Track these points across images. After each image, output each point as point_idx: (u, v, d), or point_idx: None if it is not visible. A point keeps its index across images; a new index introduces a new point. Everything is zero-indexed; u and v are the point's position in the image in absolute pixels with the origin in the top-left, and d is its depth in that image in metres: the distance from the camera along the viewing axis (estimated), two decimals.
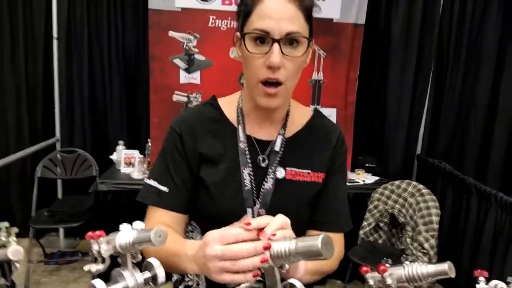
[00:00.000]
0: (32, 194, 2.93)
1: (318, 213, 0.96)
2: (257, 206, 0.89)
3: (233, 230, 0.63)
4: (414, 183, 2.48)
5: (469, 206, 2.33)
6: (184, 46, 2.85)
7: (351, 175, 2.84)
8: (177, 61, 2.87)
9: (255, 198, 0.89)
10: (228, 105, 0.96)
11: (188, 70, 2.88)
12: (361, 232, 2.54)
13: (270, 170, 0.90)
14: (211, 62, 2.87)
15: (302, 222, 0.95)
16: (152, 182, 0.90)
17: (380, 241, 2.56)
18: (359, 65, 2.88)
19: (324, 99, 2.91)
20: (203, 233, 0.93)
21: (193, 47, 2.85)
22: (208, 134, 0.92)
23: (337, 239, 0.96)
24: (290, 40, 0.80)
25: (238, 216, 0.86)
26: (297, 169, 0.92)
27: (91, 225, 2.70)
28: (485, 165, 2.89)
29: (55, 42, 3.15)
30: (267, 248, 0.59)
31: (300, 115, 0.98)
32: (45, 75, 3.25)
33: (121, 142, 2.94)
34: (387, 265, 0.69)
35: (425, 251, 2.24)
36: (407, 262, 0.69)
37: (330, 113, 2.91)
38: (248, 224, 0.61)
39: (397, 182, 2.55)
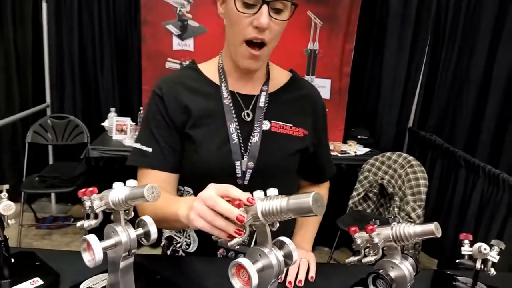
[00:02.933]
0: (23, 160, 2.93)
1: (312, 168, 1.08)
2: (245, 159, 0.91)
3: (235, 191, 0.63)
4: (404, 154, 2.51)
5: (457, 178, 2.38)
6: (177, 11, 2.78)
7: (343, 147, 2.86)
8: (170, 27, 2.81)
9: (243, 152, 0.92)
10: (208, 67, 0.98)
11: (181, 37, 2.82)
12: (350, 201, 2.59)
13: (256, 125, 0.93)
14: (205, 29, 2.81)
15: (290, 173, 1.00)
16: (137, 145, 0.92)
17: (368, 211, 2.62)
18: (355, 37, 2.84)
19: (319, 69, 2.89)
20: (195, 194, 0.94)
21: (187, 12, 2.78)
22: (190, 92, 0.94)
23: (326, 185, 1.17)
24: (276, 4, 0.82)
25: (227, 171, 0.89)
26: (281, 122, 0.96)
27: None
28: (476, 139, 2.92)
29: (44, 6, 3.04)
30: (241, 221, 0.59)
31: (280, 74, 1.02)
32: (34, 40, 3.16)
33: (112, 109, 2.90)
34: (375, 225, 0.71)
35: (411, 220, 2.30)
36: (395, 223, 0.71)
37: (325, 84, 2.89)
38: (252, 200, 0.61)
39: (387, 154, 2.57)
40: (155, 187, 0.62)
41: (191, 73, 0.98)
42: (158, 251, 1.10)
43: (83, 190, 0.67)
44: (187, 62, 2.90)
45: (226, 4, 0.86)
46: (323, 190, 1.16)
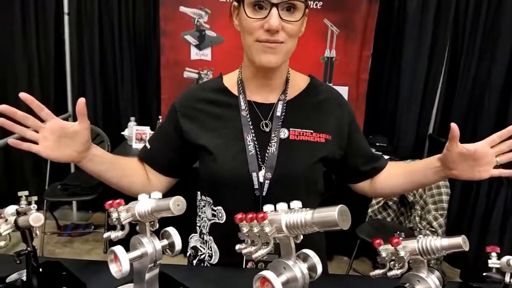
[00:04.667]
0: (46, 168, 3.00)
1: (362, 166, 1.04)
2: (263, 170, 0.91)
3: None
4: None
5: (479, 186, 2.33)
6: (195, 22, 2.82)
7: None
8: (188, 37, 2.85)
9: (260, 163, 0.91)
10: (230, 79, 1.00)
11: (199, 47, 2.86)
12: (369, 210, 2.56)
13: (273, 135, 0.92)
14: (222, 38, 2.84)
15: (311, 183, 0.97)
16: (147, 141, 1.06)
17: (388, 219, 2.58)
18: (372, 43, 2.83)
19: (336, 77, 2.88)
20: (214, 204, 0.95)
21: (204, 22, 2.82)
22: (208, 104, 0.96)
23: (388, 165, 1.08)
24: (287, 6, 0.83)
25: (244, 182, 0.90)
26: (300, 129, 0.94)
27: (104, 199, 2.77)
28: None
29: (66, 18, 3.14)
30: None
31: (298, 80, 1.01)
32: (56, 51, 3.25)
33: (132, 118, 2.96)
34: (400, 238, 0.70)
35: (433, 229, 2.25)
36: (421, 236, 0.70)
37: (342, 91, 2.84)
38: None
39: (408, 161, 2.54)
40: (181, 200, 0.62)
41: (214, 84, 1.00)
42: (177, 259, 1.10)
43: (110, 202, 0.69)
44: (205, 71, 2.95)
45: (239, 14, 0.88)
46: (392, 166, 1.08)
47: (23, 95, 0.77)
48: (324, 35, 2.81)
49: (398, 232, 0.72)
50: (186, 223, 1.05)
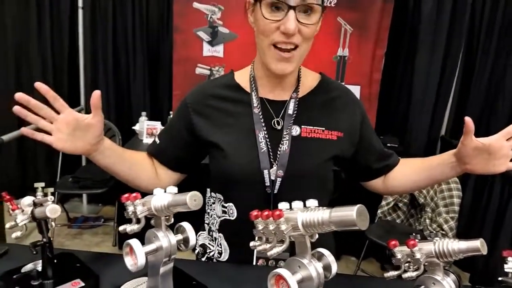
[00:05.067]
0: (57, 161, 3.04)
1: (374, 163, 1.03)
2: (275, 168, 0.90)
3: None
4: None
5: (492, 189, 2.29)
6: (208, 18, 2.82)
7: None
8: (201, 34, 2.85)
9: (272, 160, 0.91)
10: (242, 75, 0.99)
11: (211, 43, 2.87)
12: (379, 211, 2.54)
13: (285, 132, 0.92)
14: (235, 35, 2.84)
15: (322, 181, 0.97)
16: (156, 136, 1.05)
17: (398, 221, 2.56)
18: (386, 42, 2.80)
19: (348, 76, 2.86)
20: (225, 201, 0.95)
21: (217, 19, 2.82)
22: (220, 101, 0.96)
23: (400, 163, 1.07)
24: (304, 7, 0.82)
25: (255, 179, 0.90)
26: (312, 127, 0.94)
27: (114, 193, 2.79)
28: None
29: (80, 12, 3.16)
30: None
31: (310, 78, 1.00)
32: (70, 45, 3.28)
33: (143, 113, 2.97)
34: (416, 240, 0.69)
35: (443, 232, 2.23)
36: (437, 238, 0.69)
37: (354, 91, 2.84)
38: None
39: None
40: (198, 195, 0.63)
41: (225, 80, 0.99)
42: (185, 254, 1.11)
43: (127, 195, 0.69)
44: (217, 68, 2.95)
45: (255, 12, 0.87)
46: (406, 163, 1.07)
47: (38, 85, 0.77)
48: (337, 33, 2.79)
49: (413, 234, 0.71)
50: (193, 221, 1.05)
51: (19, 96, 0.77)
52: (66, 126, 0.81)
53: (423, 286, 0.68)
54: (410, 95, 3.04)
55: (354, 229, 0.55)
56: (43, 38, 3.24)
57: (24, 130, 0.80)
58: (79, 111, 3.06)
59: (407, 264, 0.70)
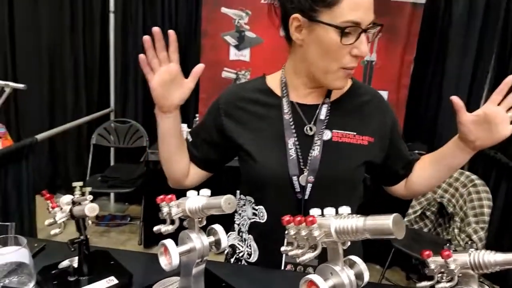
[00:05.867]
0: (87, 160, 3.13)
1: (401, 169, 1.03)
2: (305, 173, 0.90)
3: None
4: (467, 173, 2.38)
5: None
6: (236, 22, 2.85)
7: None
8: (228, 38, 2.89)
9: (302, 167, 0.91)
10: (273, 79, 1.00)
11: (238, 47, 2.90)
12: (405, 219, 2.49)
13: (316, 138, 0.92)
14: (261, 39, 2.86)
15: (353, 187, 0.96)
16: (188, 132, 1.07)
17: (425, 230, 2.50)
18: (416, 48, 2.76)
19: (375, 81, 2.83)
20: (256, 203, 0.96)
21: (244, 24, 2.85)
22: (252, 104, 0.96)
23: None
24: (372, 29, 0.83)
25: (285, 185, 0.90)
26: (343, 131, 0.93)
27: (140, 192, 2.85)
28: None
29: (111, 16, 3.26)
30: None
31: None
32: (101, 48, 3.39)
33: None
34: (451, 251, 0.68)
35: (472, 242, 2.17)
36: (472, 250, 0.68)
37: None
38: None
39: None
40: (232, 198, 0.64)
41: (258, 84, 1.00)
42: (213, 255, 1.12)
43: (162, 197, 0.71)
44: (243, 72, 2.98)
45: (310, 32, 0.84)
46: (419, 162, 1.05)
47: (156, 29, 0.83)
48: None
49: (448, 244, 0.70)
50: (223, 221, 1.06)
51: (155, 30, 0.83)
52: (169, 74, 0.87)
53: None
54: (440, 100, 2.97)
55: (390, 237, 0.55)
56: (75, 40, 3.36)
57: (141, 57, 0.87)
58: (109, 113, 3.14)
59: (440, 275, 0.69)
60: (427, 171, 1.01)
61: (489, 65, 2.89)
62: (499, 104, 0.85)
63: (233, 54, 2.92)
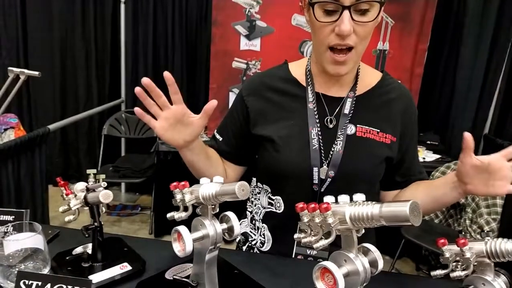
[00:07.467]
0: (99, 150, 3.16)
1: (400, 176, 0.99)
2: (325, 167, 0.89)
3: None
4: None
5: None
6: (246, 12, 2.83)
7: None
8: (239, 27, 2.86)
9: (323, 159, 0.90)
10: (297, 67, 0.98)
11: (248, 37, 2.87)
12: None
13: (340, 132, 0.90)
14: (272, 29, 2.83)
15: (372, 184, 0.95)
16: (215, 131, 1.04)
17: (436, 221, 2.48)
18: (429, 36, 2.70)
19: (388, 70, 2.73)
20: (273, 193, 0.96)
21: (255, 13, 2.82)
22: (276, 93, 0.95)
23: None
24: (360, 5, 0.78)
25: (304, 175, 0.89)
26: (367, 127, 0.91)
27: (151, 182, 2.88)
28: None
29: (122, 6, 3.26)
30: None
31: (370, 76, 0.97)
32: (112, 38, 3.40)
33: None
34: (466, 239, 0.67)
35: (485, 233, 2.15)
36: (488, 238, 0.67)
37: None
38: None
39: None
40: (245, 185, 0.64)
41: (281, 72, 0.98)
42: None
43: (175, 183, 0.71)
44: (253, 62, 2.96)
45: (309, 13, 0.84)
46: (418, 182, 1.02)
47: (167, 74, 0.81)
48: (378, 26, 2.72)
49: (463, 233, 0.69)
50: (235, 208, 1.06)
51: (147, 82, 0.81)
52: (173, 117, 0.83)
53: (472, 286, 0.66)
54: (453, 91, 2.93)
55: (406, 224, 0.54)
56: (87, 31, 3.37)
57: (137, 110, 0.85)
58: (120, 104, 3.16)
59: (455, 263, 0.69)
60: (419, 195, 0.95)
61: (504, 55, 2.83)
62: (509, 160, 0.79)
63: (244, 44, 2.89)
